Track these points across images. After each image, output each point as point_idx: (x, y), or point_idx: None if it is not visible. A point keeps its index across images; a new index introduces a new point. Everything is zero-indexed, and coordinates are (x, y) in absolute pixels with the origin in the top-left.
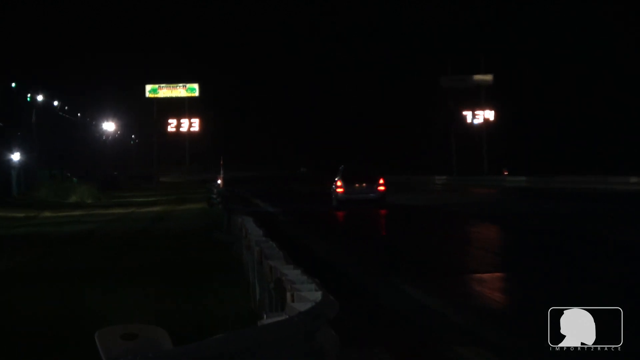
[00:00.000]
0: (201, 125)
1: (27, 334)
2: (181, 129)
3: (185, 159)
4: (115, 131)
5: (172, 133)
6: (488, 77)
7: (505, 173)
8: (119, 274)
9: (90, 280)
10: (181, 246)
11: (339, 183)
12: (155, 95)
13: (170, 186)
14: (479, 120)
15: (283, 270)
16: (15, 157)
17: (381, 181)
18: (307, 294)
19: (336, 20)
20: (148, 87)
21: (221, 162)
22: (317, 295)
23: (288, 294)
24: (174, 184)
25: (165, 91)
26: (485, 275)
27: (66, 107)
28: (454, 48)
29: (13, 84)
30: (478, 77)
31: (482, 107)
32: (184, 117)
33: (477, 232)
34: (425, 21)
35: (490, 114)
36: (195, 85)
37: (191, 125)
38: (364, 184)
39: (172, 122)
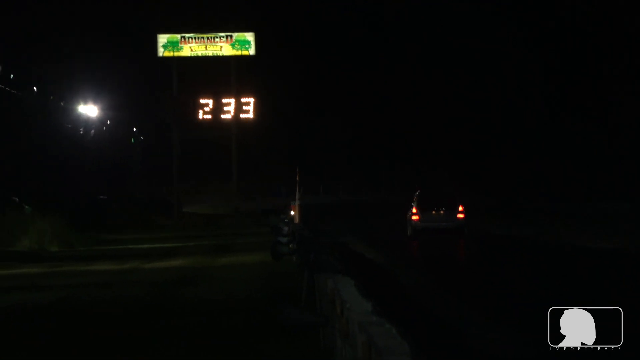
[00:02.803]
0: (258, 109)
1: None
2: (223, 116)
3: (231, 171)
4: (103, 120)
5: (206, 123)
6: None
7: None
8: None
9: None
10: (219, 334)
11: (414, 210)
12: (177, 54)
13: (202, 220)
14: None
15: None
16: None
17: (460, 208)
18: None
19: None
20: (162, 39)
21: (297, 178)
22: None
23: None
24: (209, 217)
25: (195, 47)
26: None
27: (12, 76)
28: None
29: None
30: None
31: None
32: (228, 95)
33: None
34: None
35: None
36: (250, 37)
37: (241, 109)
38: (442, 211)
39: (207, 103)
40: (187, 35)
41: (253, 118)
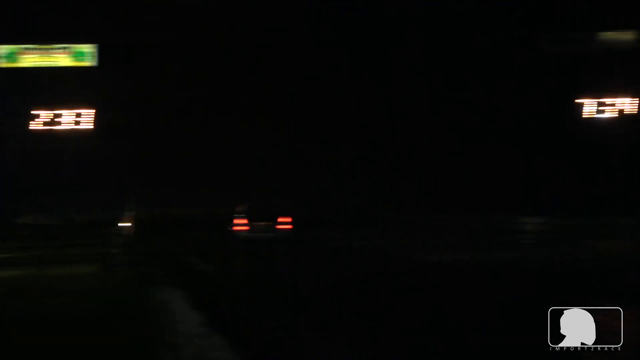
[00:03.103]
0: (98, 120)
1: None
2: (63, 127)
3: (67, 182)
4: None
5: (42, 134)
6: (627, 36)
7: None
8: None
9: None
10: (49, 349)
11: (244, 221)
12: (15, 65)
13: (37, 232)
14: (608, 113)
15: None
16: None
17: (289, 219)
18: None
19: None
20: (2, 50)
21: (132, 190)
22: None
23: None
24: (44, 228)
25: (35, 57)
26: None
27: None
28: None
29: None
30: (608, 35)
31: (615, 92)
32: (67, 105)
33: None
34: None
35: (628, 104)
36: (90, 48)
37: (80, 119)
38: (270, 222)
39: (46, 114)
40: (28, 46)
41: (93, 129)
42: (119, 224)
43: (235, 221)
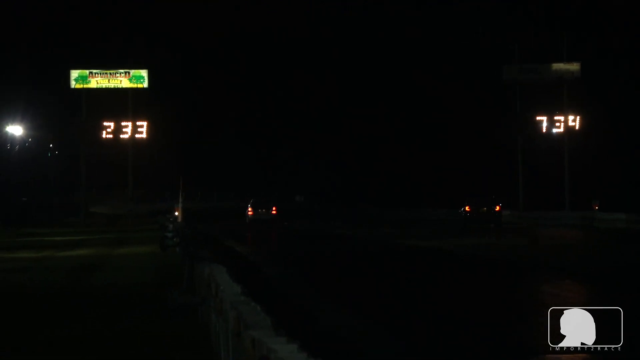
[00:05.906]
0: (150, 130)
1: None
2: (122, 136)
3: (127, 181)
4: (25, 138)
5: (108, 141)
6: (574, 67)
7: (596, 207)
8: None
9: None
10: (120, 311)
11: (250, 209)
12: (85, 86)
13: (105, 219)
14: (558, 129)
15: (271, 345)
16: None
17: (274, 208)
18: None
19: None
20: (74, 74)
21: (181, 185)
22: None
23: None
24: (110, 217)
25: (100, 80)
26: None
27: None
28: (524, 24)
29: None
30: (559, 66)
31: (564, 111)
32: (127, 119)
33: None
34: None
35: (575, 121)
36: (144, 73)
37: (136, 130)
38: (264, 209)
39: (109, 125)
40: (94, 70)
41: (146, 137)
42: (171, 214)
43: (248, 209)
